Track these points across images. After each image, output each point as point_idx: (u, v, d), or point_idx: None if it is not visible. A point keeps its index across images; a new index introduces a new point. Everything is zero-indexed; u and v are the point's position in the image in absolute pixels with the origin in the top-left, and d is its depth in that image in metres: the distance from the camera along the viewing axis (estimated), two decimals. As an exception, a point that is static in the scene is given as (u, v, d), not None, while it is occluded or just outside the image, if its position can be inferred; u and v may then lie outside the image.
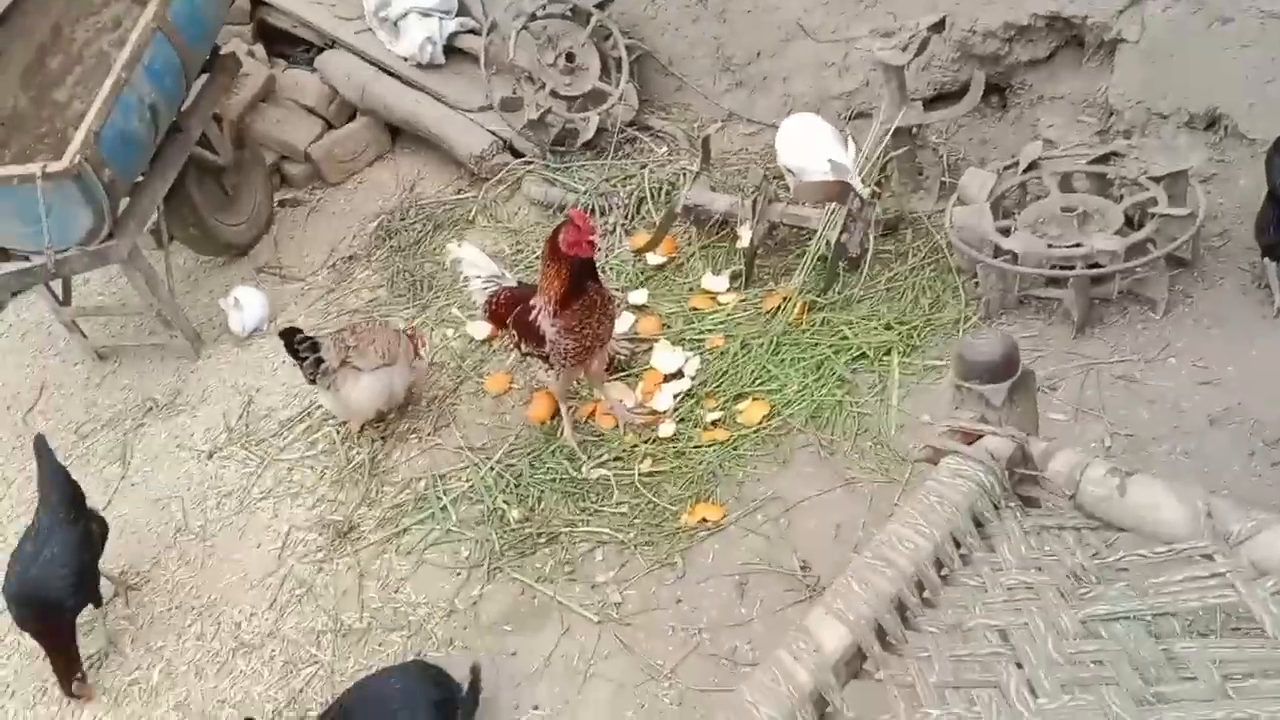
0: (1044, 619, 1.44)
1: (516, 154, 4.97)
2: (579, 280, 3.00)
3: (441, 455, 3.58)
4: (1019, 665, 1.39)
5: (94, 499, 3.78)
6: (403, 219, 4.89)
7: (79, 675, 3.04)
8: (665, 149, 4.75)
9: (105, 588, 3.28)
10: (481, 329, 4.00)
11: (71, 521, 3.09)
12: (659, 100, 4.98)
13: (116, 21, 4.85)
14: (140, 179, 4.18)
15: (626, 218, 4.34)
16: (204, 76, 4.62)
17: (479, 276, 3.43)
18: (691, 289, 3.94)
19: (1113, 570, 1.51)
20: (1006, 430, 1.72)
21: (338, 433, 3.75)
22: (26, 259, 4.01)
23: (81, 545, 3.08)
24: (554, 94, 4.70)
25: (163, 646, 3.19)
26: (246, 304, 4.41)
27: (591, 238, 2.91)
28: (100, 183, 3.80)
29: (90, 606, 3.17)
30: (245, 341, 4.41)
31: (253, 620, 3.19)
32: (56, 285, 4.34)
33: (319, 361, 3.34)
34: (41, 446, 3.26)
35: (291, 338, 3.34)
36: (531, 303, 3.13)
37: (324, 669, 2.98)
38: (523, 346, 3.27)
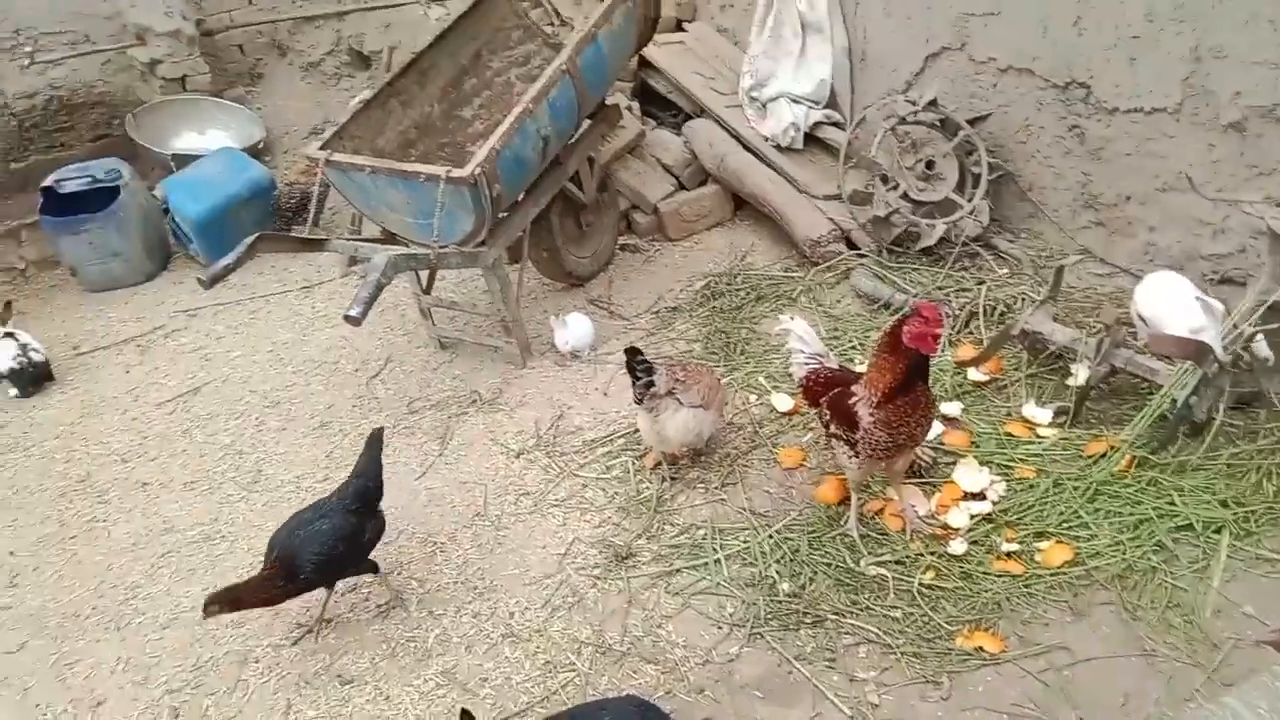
0: None
1: (852, 246, 5.08)
2: (911, 376, 3.02)
3: (723, 511, 3.68)
4: None
5: (411, 468, 4.22)
6: (729, 283, 5.12)
7: (227, 607, 3.25)
8: (1006, 270, 4.68)
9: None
10: (784, 402, 4.10)
11: (355, 513, 3.34)
12: (1009, 223, 4.92)
13: (526, 58, 5.49)
14: (518, 200, 4.66)
15: (954, 329, 4.30)
16: (589, 121, 5.09)
17: (803, 351, 3.53)
18: (1010, 414, 3.84)
19: None
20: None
21: (633, 464, 3.96)
22: (407, 247, 4.58)
23: (348, 538, 3.30)
24: (905, 196, 4.78)
25: (442, 614, 3.47)
26: (574, 326, 4.76)
27: (938, 332, 2.93)
28: (488, 195, 4.27)
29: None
30: (565, 361, 4.75)
31: (525, 614, 3.41)
32: (424, 275, 4.90)
33: (650, 384, 3.56)
34: (376, 439, 3.51)
35: (633, 356, 3.59)
36: (853, 388, 3.18)
37: (580, 678, 3.13)
38: (831, 428, 3.32)
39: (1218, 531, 3.19)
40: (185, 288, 6.05)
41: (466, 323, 5.21)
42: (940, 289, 4.54)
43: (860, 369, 3.48)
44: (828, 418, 3.29)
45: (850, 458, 3.25)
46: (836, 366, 3.47)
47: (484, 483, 4.05)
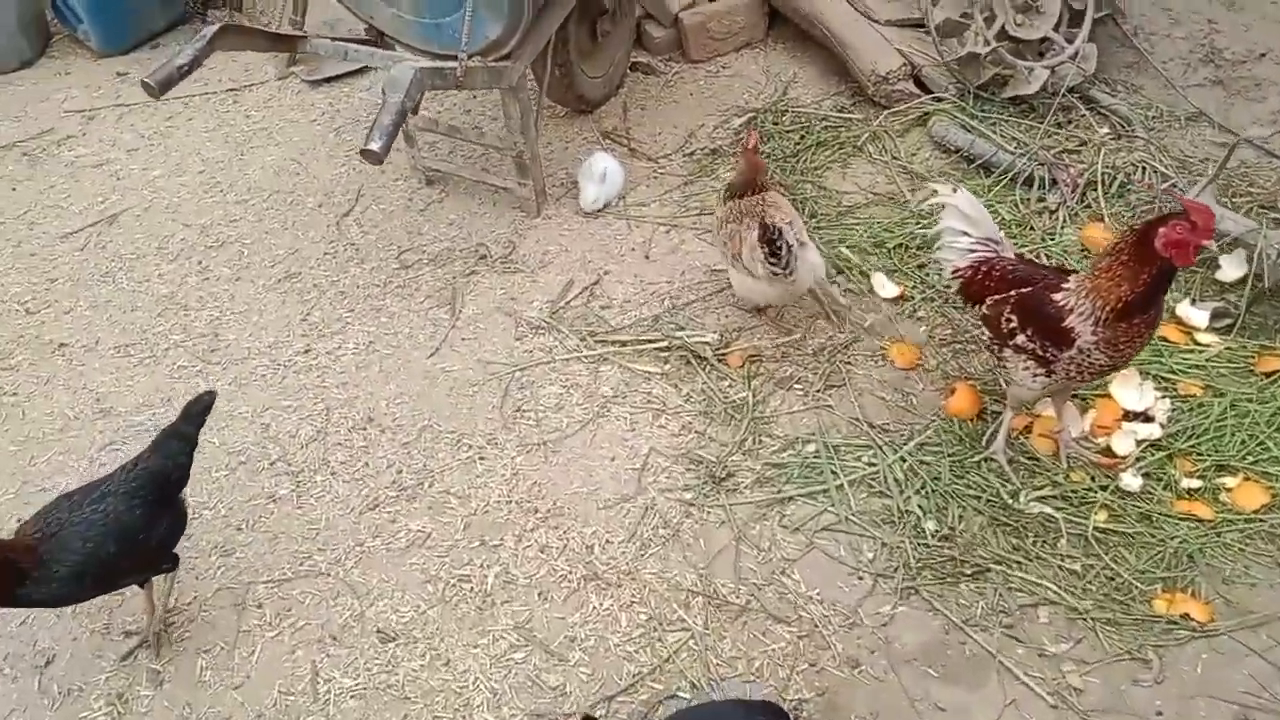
0: None
1: (922, 87, 4.30)
2: (1156, 291, 2.37)
3: (832, 421, 3.04)
4: None
5: (419, 342, 3.39)
6: (775, 123, 4.29)
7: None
8: (1107, 129, 4.02)
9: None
10: (887, 286, 3.41)
11: (143, 503, 2.35)
12: (1106, 72, 4.22)
13: None
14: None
15: (1074, 199, 3.65)
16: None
17: (967, 234, 2.81)
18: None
19: None
20: None
21: (696, 356, 3.23)
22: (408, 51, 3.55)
23: (121, 537, 2.30)
24: (1003, 33, 4.00)
25: (499, 545, 2.77)
26: (606, 174, 3.89)
27: (1203, 242, 2.27)
28: (525, -7, 3.29)
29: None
30: (589, 215, 3.90)
31: (607, 549, 2.74)
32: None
33: (790, 247, 3.00)
34: (201, 407, 2.52)
35: (776, 238, 2.99)
36: (1060, 293, 2.51)
37: (696, 641, 2.51)
38: (1018, 338, 2.63)
39: None
40: (75, 80, 4.80)
41: (453, 151, 4.24)
42: (1045, 149, 3.85)
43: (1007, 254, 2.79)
44: (1013, 324, 2.62)
45: (1035, 376, 2.62)
46: (1014, 257, 2.78)
47: (513, 367, 3.26)
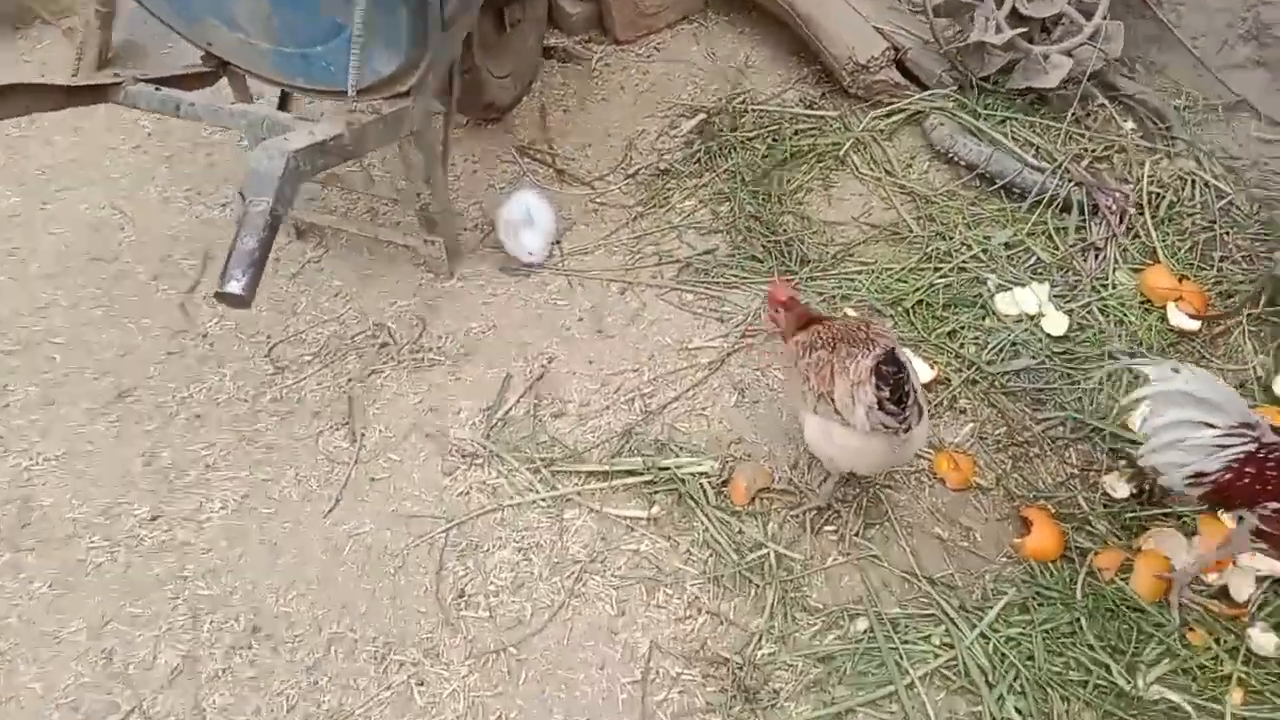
0: None
1: (906, 74, 3.53)
2: None
3: (880, 577, 2.33)
4: None
5: (310, 489, 2.52)
6: (734, 128, 3.46)
7: None
8: (1132, 124, 3.34)
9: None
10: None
11: None
12: (1124, 51, 3.52)
13: None
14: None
15: (1122, 230, 2.97)
16: None
17: (1210, 425, 2.00)
18: (1244, 385, 2.64)
19: None
20: None
21: (688, 495, 2.46)
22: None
23: None
24: (1013, 12, 3.24)
25: None
26: (536, 216, 3.02)
27: None
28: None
29: None
30: (515, 265, 3.04)
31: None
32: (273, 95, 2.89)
33: (916, 392, 2.03)
34: None
35: (895, 374, 1.97)
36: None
37: None
38: None
39: None
40: None
41: (332, 194, 3.29)
42: (1076, 158, 3.14)
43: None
44: None
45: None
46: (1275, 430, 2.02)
47: (451, 522, 2.43)
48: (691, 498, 2.44)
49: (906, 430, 2.03)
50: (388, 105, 2.53)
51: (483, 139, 3.50)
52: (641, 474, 2.48)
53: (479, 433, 2.62)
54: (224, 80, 2.79)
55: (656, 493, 2.47)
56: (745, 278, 2.99)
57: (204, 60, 2.67)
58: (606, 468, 2.51)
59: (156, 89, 2.55)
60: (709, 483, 2.46)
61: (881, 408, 1.99)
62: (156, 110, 2.56)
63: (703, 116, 3.51)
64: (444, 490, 2.52)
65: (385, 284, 3.04)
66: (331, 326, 2.92)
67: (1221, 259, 2.89)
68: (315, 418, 2.69)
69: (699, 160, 3.36)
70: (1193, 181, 3.07)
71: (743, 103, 3.55)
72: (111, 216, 3.26)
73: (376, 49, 2.37)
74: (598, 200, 3.28)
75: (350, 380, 2.77)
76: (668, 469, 2.48)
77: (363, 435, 2.64)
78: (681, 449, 2.55)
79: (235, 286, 1.90)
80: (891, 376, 1.96)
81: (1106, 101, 3.37)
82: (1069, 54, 3.24)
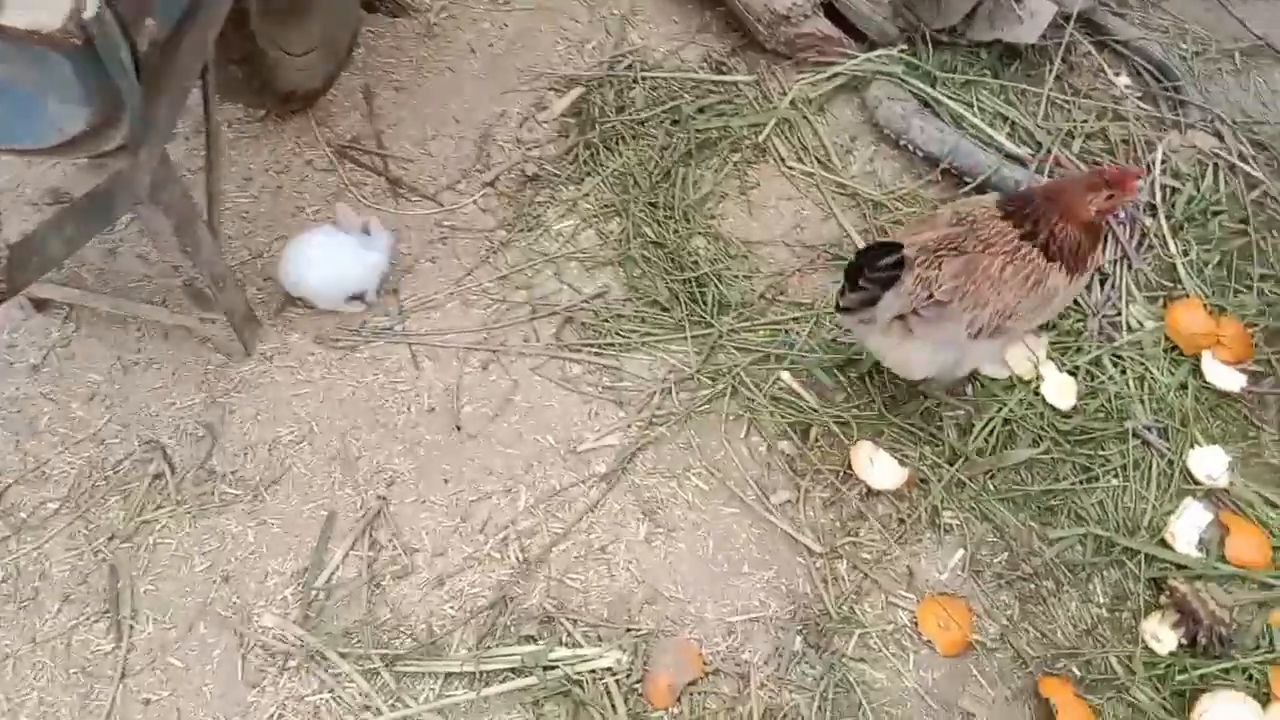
0: None
1: (838, 20, 2.73)
2: None
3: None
4: None
5: (58, 716, 1.77)
6: (620, 107, 2.64)
7: None
8: (1125, 79, 2.63)
9: None
10: (887, 470, 2.01)
11: None
12: (1110, -18, 2.78)
13: None
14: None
15: (1139, 251, 2.29)
16: None
17: None
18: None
19: None
20: None
21: (588, 705, 1.78)
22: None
23: None
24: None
25: None
26: (369, 245, 2.24)
27: None
28: (128, 50, 1.51)
29: None
30: (340, 338, 2.25)
31: None
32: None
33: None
34: None
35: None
36: None
37: None
38: None
39: None
40: None
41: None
42: (1065, 141, 2.43)
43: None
44: None
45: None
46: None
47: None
48: (593, 709, 1.75)
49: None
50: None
51: (288, 137, 2.62)
52: (525, 676, 1.79)
53: (293, 613, 1.88)
54: None
55: (546, 699, 1.78)
56: (649, 335, 2.25)
57: None
58: (473, 668, 1.80)
59: None
60: (617, 683, 1.78)
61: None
62: None
63: (580, 90, 2.68)
64: (247, 711, 1.79)
65: (158, 374, 2.22)
66: (86, 450, 2.11)
67: (1262, 277, 2.25)
68: (65, 604, 1.92)
69: (578, 159, 2.56)
70: (1214, 166, 2.39)
71: (629, 68, 2.72)
72: None
73: (50, 104, 1.50)
74: (445, 223, 2.47)
75: (112, 538, 1.99)
76: (556, 666, 1.79)
77: (130, 629, 1.88)
78: (576, 622, 1.86)
79: None
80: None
81: (1092, 48, 2.64)
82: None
